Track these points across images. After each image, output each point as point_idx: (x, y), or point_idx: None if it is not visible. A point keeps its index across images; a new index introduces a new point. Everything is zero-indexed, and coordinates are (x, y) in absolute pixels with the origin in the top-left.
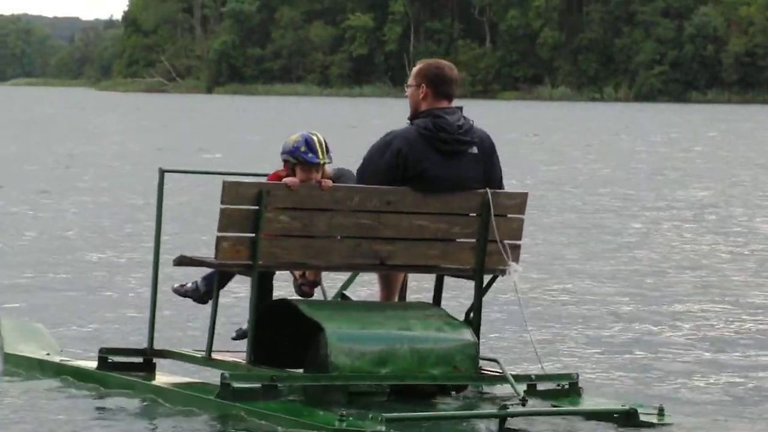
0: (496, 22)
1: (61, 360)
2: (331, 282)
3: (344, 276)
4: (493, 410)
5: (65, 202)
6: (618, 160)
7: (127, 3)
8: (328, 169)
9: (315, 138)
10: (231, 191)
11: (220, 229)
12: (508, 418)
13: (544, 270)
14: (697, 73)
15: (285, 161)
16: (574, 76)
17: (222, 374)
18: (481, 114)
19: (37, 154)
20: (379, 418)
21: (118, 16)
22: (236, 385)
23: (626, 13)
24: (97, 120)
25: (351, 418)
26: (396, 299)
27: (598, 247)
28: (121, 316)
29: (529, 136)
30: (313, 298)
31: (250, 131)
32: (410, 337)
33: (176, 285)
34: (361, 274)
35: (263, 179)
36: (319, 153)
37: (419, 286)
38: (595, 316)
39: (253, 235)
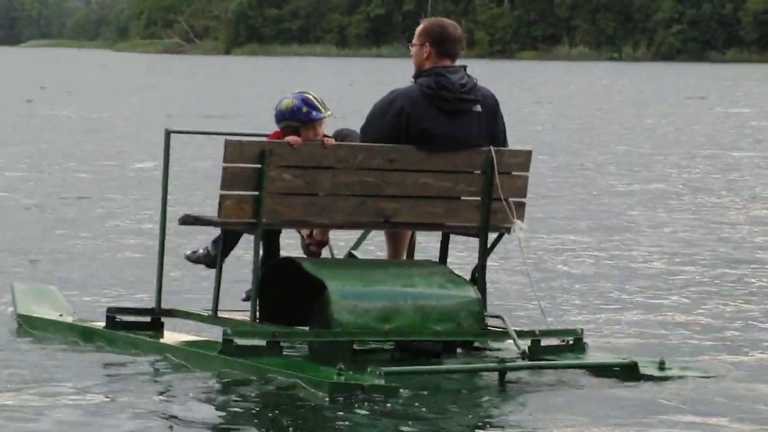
0: None
1: (72, 321)
2: (341, 242)
3: (353, 237)
4: (493, 364)
5: (71, 167)
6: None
7: None
8: (330, 129)
9: (310, 96)
10: (233, 150)
11: (222, 188)
12: (509, 372)
13: (550, 228)
14: (715, 32)
15: (285, 128)
16: (592, 35)
17: (224, 331)
18: (498, 74)
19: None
20: (378, 372)
21: None
22: (239, 341)
23: None
24: (114, 82)
25: (350, 372)
26: (403, 258)
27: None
28: (136, 277)
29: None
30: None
31: (270, 92)
32: (414, 294)
33: (188, 252)
34: (370, 234)
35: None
36: (321, 108)
37: (428, 245)
38: (602, 275)
39: (257, 193)
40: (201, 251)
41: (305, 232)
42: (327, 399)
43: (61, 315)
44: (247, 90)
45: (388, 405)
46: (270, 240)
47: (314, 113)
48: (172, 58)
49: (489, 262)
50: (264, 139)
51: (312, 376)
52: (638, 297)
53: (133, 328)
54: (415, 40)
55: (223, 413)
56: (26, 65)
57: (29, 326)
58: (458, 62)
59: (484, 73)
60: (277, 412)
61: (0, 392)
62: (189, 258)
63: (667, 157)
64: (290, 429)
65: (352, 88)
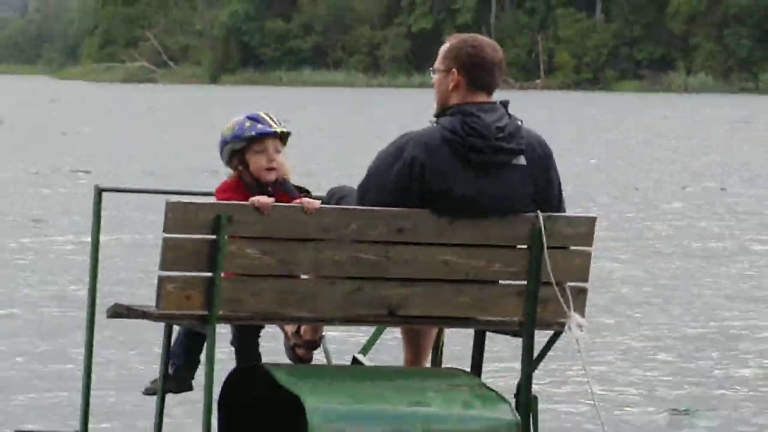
0: None
1: None
2: (350, 340)
3: (364, 335)
4: None
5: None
6: None
7: None
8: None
9: (259, 113)
10: (178, 215)
11: (162, 267)
12: None
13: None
14: None
15: (231, 157)
16: (718, 58)
17: None
18: (589, 110)
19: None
20: None
21: None
22: None
23: None
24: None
25: None
26: (426, 364)
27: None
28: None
29: None
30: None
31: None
32: (425, 415)
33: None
34: (386, 332)
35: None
36: (269, 122)
37: (463, 348)
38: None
39: (210, 274)
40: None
41: (290, 329)
42: None
43: None
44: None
45: None
46: (245, 342)
47: (259, 126)
48: (138, 88)
49: (540, 372)
50: (212, 199)
51: None
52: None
53: None
54: (437, 65)
55: None
56: None
57: None
58: (503, 95)
59: (563, 109)
60: None
61: None
62: (148, 392)
63: None
64: None
65: (386, 126)
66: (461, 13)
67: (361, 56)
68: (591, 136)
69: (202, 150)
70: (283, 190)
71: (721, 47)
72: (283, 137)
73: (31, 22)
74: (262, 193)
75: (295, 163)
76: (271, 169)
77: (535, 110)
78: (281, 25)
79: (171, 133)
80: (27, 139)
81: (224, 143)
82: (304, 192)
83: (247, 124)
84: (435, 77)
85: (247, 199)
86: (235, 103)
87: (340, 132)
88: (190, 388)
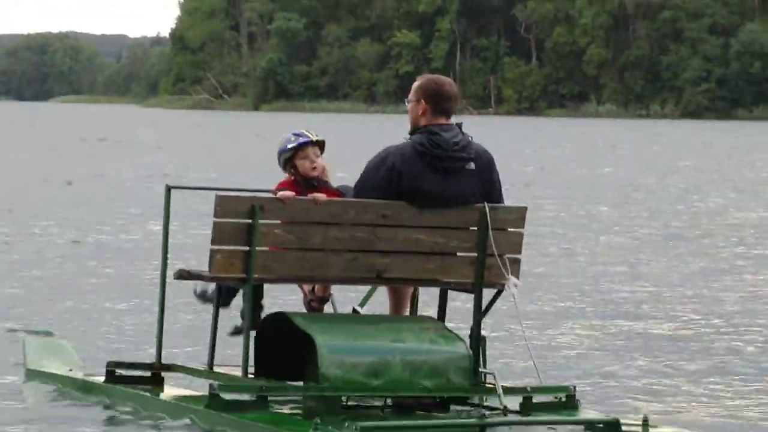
0: (542, 39)
1: (77, 375)
2: (351, 296)
3: (360, 293)
4: (472, 420)
5: (82, 216)
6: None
7: (175, 20)
8: (332, 185)
9: (302, 130)
10: (224, 205)
11: (213, 242)
12: (490, 429)
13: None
14: (743, 90)
15: (285, 164)
16: (620, 93)
17: (210, 385)
18: (528, 132)
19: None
20: (354, 427)
21: (165, 33)
22: (226, 396)
23: (673, 30)
24: (144, 137)
25: (328, 426)
26: (406, 313)
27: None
28: (146, 329)
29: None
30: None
31: None
32: (403, 349)
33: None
34: (378, 290)
35: (266, 194)
36: (307, 134)
37: (434, 302)
38: (599, 333)
39: (247, 248)
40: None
41: (307, 288)
42: None
43: (70, 369)
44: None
45: None
46: (227, 297)
47: (301, 139)
48: (201, 113)
49: (496, 318)
50: (259, 194)
51: (288, 430)
52: (637, 356)
53: (132, 383)
54: (411, 96)
55: None
56: (62, 120)
57: (37, 380)
58: (462, 119)
59: (509, 130)
60: None
61: None
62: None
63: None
64: None
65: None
66: (435, 60)
67: (362, 91)
68: (528, 150)
69: (250, 156)
70: (324, 186)
71: (622, 86)
72: (320, 144)
73: (124, 66)
74: (310, 187)
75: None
76: (313, 168)
77: (489, 131)
78: (305, 69)
79: (225, 145)
80: (129, 150)
81: (279, 154)
82: (338, 189)
83: (292, 138)
84: (409, 106)
85: (299, 193)
86: (271, 125)
87: (348, 144)
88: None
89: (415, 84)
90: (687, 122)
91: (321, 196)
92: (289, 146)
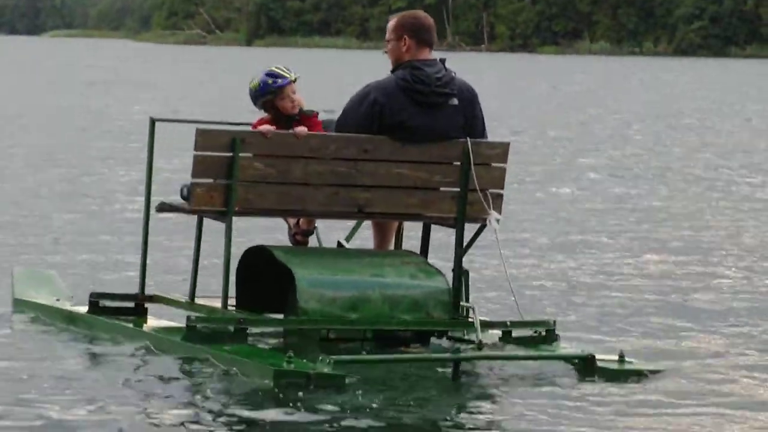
0: None
1: (62, 306)
2: (335, 232)
3: (348, 227)
4: (445, 354)
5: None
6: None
7: None
8: (322, 116)
9: (273, 68)
10: (204, 138)
11: (193, 176)
12: (467, 363)
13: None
14: (736, 28)
15: (263, 105)
16: (613, 30)
17: (188, 317)
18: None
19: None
20: (327, 361)
21: None
22: (202, 327)
23: None
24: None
25: (302, 361)
26: (391, 247)
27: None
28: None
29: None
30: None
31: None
32: (383, 284)
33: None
34: (364, 225)
35: (248, 128)
36: (285, 74)
37: (417, 235)
38: (580, 266)
39: (228, 181)
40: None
41: (292, 221)
42: (273, 386)
43: (57, 300)
44: None
45: (339, 395)
46: None
47: (279, 81)
48: (194, 48)
49: (480, 253)
50: (246, 127)
51: (263, 362)
52: (614, 293)
53: (116, 314)
54: (389, 36)
55: (176, 401)
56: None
57: (24, 310)
58: (456, 56)
59: (500, 67)
60: (225, 401)
61: None
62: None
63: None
64: (235, 419)
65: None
66: None
67: (355, 27)
68: (521, 84)
69: (240, 91)
70: (304, 115)
71: (615, 22)
72: (294, 80)
73: (115, 0)
74: (291, 122)
75: (306, 95)
76: (293, 106)
77: (481, 68)
78: (298, 4)
79: (219, 78)
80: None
81: (255, 96)
82: (314, 113)
83: (270, 81)
84: (389, 45)
85: (279, 129)
86: (265, 60)
87: (340, 77)
88: None
89: (391, 24)
90: (681, 60)
91: (303, 131)
92: (272, 88)
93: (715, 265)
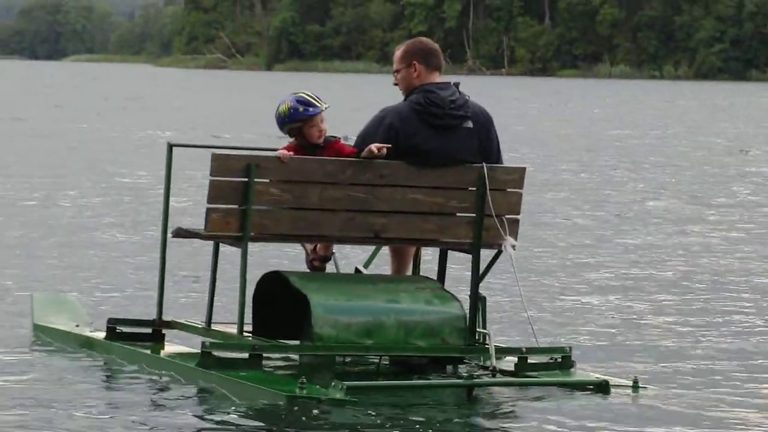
0: None
1: (81, 331)
2: (353, 258)
3: (366, 253)
4: (459, 380)
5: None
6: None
7: None
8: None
9: (304, 94)
10: (219, 163)
11: (209, 201)
12: (480, 388)
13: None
14: (757, 50)
15: (290, 132)
16: (633, 53)
17: (202, 343)
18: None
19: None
20: (340, 386)
21: None
22: (218, 354)
23: None
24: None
25: (314, 386)
26: (408, 273)
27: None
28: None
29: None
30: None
31: None
32: (397, 309)
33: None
34: (382, 251)
35: (263, 153)
36: (316, 103)
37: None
38: (599, 293)
39: (243, 206)
40: None
41: (309, 247)
42: (285, 412)
43: (77, 325)
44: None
45: (353, 418)
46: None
47: (311, 109)
48: (214, 73)
49: (496, 279)
50: (255, 152)
51: (276, 389)
52: (634, 317)
53: (133, 340)
54: (398, 65)
55: (191, 428)
56: (75, 79)
57: (43, 336)
58: (476, 80)
59: (522, 89)
60: (239, 426)
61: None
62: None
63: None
64: None
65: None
66: (448, 20)
67: (375, 51)
68: (542, 107)
69: (259, 115)
70: (327, 142)
71: (635, 46)
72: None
73: (137, 25)
74: (315, 150)
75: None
76: (320, 135)
77: (502, 91)
78: (318, 28)
79: (239, 103)
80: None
81: (282, 121)
82: (337, 138)
83: (301, 108)
84: (399, 75)
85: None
86: (285, 84)
87: (362, 101)
88: None
89: (398, 54)
90: (702, 84)
91: (284, 153)
92: (302, 117)
93: (730, 291)
